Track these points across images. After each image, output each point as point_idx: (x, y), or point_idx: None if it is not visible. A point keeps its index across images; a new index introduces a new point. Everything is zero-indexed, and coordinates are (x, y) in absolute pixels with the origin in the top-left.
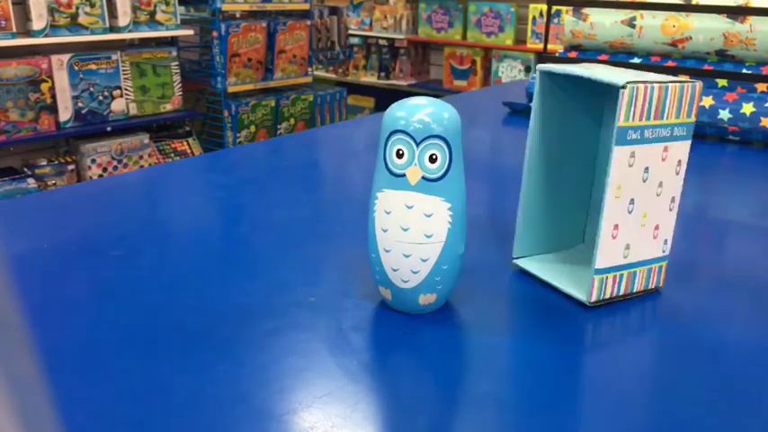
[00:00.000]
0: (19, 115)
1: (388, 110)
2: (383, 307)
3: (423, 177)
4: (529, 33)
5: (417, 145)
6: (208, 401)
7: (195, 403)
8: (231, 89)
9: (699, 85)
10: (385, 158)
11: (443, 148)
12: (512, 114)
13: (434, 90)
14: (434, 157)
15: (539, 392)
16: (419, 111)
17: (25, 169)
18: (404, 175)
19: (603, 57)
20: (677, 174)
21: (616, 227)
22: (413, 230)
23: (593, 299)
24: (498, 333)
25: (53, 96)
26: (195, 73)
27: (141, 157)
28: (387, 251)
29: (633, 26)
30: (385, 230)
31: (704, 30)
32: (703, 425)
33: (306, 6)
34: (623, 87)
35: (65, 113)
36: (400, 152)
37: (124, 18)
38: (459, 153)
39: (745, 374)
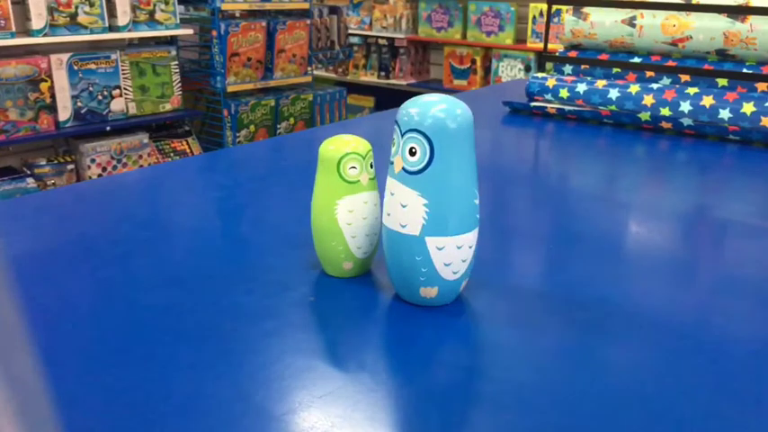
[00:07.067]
0: (18, 115)
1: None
2: (383, 307)
3: (403, 169)
4: (529, 33)
5: (402, 136)
6: (208, 401)
7: (195, 403)
8: (231, 88)
9: None
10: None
11: (423, 143)
12: (512, 114)
13: (434, 90)
14: (414, 150)
15: (539, 391)
16: (413, 105)
17: (24, 169)
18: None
19: (604, 56)
20: None
21: None
22: (392, 217)
23: None
24: (502, 329)
25: (52, 96)
26: (195, 72)
27: (141, 157)
28: (439, 249)
29: (633, 25)
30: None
31: (704, 29)
32: None
33: (305, 6)
34: None
35: (64, 113)
36: (392, 142)
37: (123, 17)
38: (451, 152)
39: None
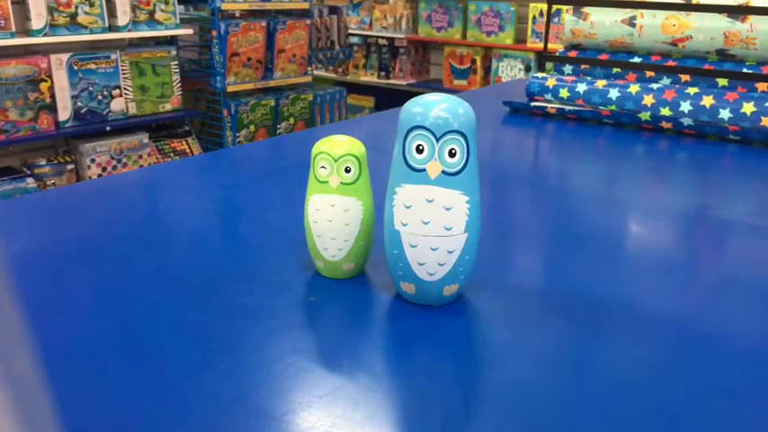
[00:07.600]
0: (18, 115)
1: (404, 107)
2: (383, 307)
3: (443, 172)
4: (529, 32)
5: (438, 140)
6: (208, 401)
7: (195, 403)
8: (230, 88)
9: None
10: (404, 154)
11: (462, 143)
12: (512, 114)
13: (434, 90)
14: (453, 151)
15: (539, 390)
16: (436, 106)
17: (24, 169)
18: (424, 170)
19: (604, 56)
20: None
21: None
22: (433, 223)
23: None
24: (502, 328)
25: (52, 96)
26: (195, 72)
27: (140, 157)
28: (413, 246)
29: (633, 25)
30: (405, 224)
31: (704, 29)
32: None
33: (305, 5)
34: None
35: (64, 113)
36: (420, 147)
37: (123, 17)
38: (475, 148)
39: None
